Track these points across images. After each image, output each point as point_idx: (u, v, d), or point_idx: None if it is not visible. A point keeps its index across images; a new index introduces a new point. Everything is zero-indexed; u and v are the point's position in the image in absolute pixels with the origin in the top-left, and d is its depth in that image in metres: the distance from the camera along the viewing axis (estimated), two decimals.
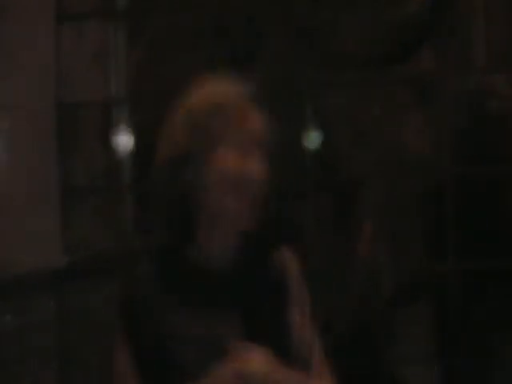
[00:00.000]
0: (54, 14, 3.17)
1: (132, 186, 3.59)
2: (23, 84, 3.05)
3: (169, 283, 1.76)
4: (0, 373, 2.90)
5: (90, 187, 3.39)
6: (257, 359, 1.66)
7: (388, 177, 3.77)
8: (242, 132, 1.74)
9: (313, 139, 3.65)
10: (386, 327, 3.61)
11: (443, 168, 3.40)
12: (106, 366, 2.53)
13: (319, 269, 3.15)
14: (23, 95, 3.06)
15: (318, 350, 1.80)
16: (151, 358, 1.72)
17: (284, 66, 4.55)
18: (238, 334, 1.71)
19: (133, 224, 3.56)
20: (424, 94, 3.90)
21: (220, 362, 1.66)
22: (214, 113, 1.74)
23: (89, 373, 3.21)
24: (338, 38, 4.23)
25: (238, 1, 3.92)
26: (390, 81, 3.92)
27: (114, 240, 3.42)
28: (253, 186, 1.73)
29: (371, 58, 3.90)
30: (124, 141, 3.53)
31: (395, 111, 3.95)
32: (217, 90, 1.79)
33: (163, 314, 1.73)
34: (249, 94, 1.78)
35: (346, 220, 3.75)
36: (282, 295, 1.79)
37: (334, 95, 3.98)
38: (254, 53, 4.17)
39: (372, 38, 4.00)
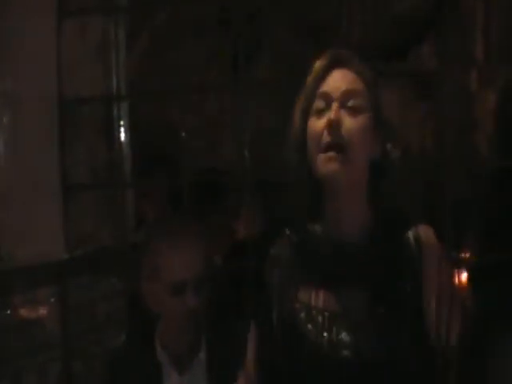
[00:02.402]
0: (55, 8, 3.17)
1: (133, 181, 3.60)
2: (25, 79, 3.06)
3: (299, 258, 1.82)
4: (4, 367, 2.91)
5: (91, 182, 3.40)
6: None
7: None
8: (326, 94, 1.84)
9: None
10: None
11: (444, 163, 3.39)
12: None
13: None
14: (24, 90, 3.06)
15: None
16: (282, 329, 1.79)
17: (285, 60, 4.55)
18: (366, 309, 1.75)
19: (134, 219, 3.57)
20: (424, 89, 3.90)
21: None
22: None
23: (90, 366, 3.22)
24: (339, 34, 4.24)
25: None
26: (391, 76, 3.92)
27: (114, 235, 3.43)
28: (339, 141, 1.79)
29: (372, 52, 3.91)
30: (125, 136, 3.53)
31: (396, 106, 3.96)
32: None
33: (295, 288, 1.79)
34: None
35: None
36: (416, 271, 1.80)
37: None
38: (256, 47, 4.18)
39: (373, 33, 4.00)
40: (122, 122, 3.49)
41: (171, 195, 3.77)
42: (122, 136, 3.52)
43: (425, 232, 1.85)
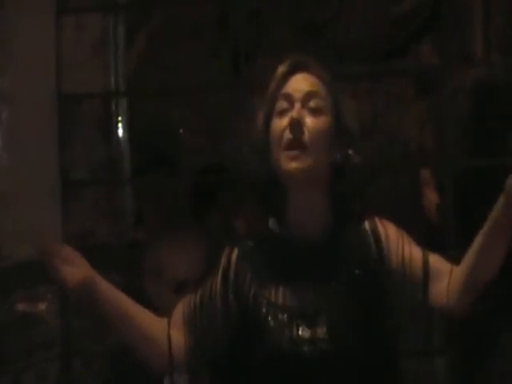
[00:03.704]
0: (54, 5, 3.18)
1: (132, 178, 3.60)
2: (23, 76, 3.06)
3: (262, 256, 1.88)
4: (3, 365, 2.91)
5: (89, 179, 3.40)
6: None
7: (390, 170, 3.77)
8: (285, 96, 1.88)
9: None
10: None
11: (444, 161, 3.38)
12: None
13: None
14: (23, 87, 3.06)
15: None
16: (243, 321, 1.85)
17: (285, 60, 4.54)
18: (325, 306, 1.80)
19: (132, 216, 3.58)
20: (425, 87, 3.90)
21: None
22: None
23: (90, 364, 3.22)
24: (339, 32, 4.25)
25: None
26: (391, 74, 3.92)
27: (113, 232, 3.43)
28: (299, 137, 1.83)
29: (372, 51, 3.91)
30: (124, 133, 3.54)
31: (396, 104, 3.96)
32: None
33: (260, 286, 1.85)
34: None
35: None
36: (378, 262, 1.84)
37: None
38: (255, 46, 4.18)
39: (373, 31, 4.01)
40: (120, 119, 3.50)
41: (171, 193, 3.77)
42: (121, 133, 3.53)
43: (381, 223, 1.90)
